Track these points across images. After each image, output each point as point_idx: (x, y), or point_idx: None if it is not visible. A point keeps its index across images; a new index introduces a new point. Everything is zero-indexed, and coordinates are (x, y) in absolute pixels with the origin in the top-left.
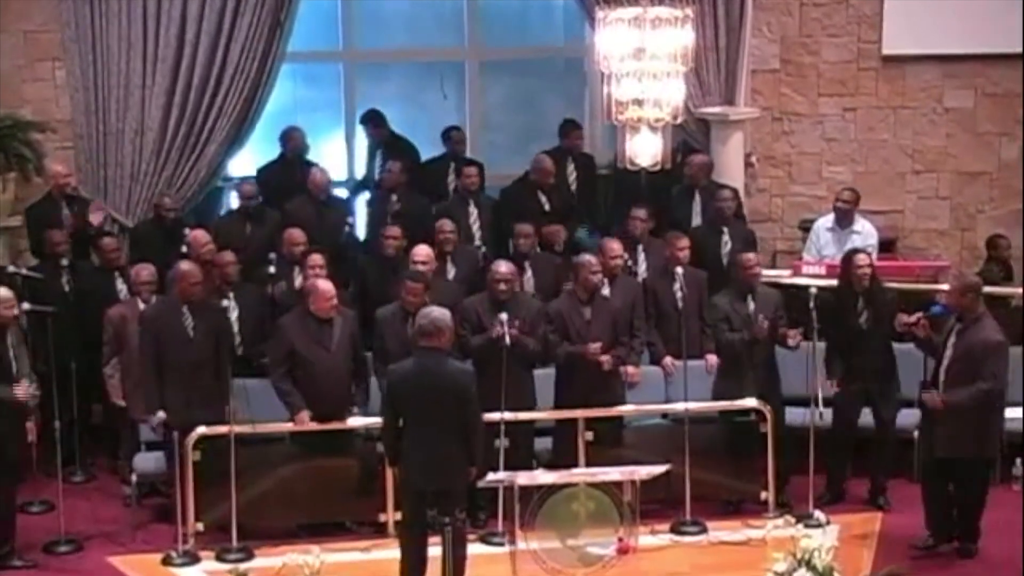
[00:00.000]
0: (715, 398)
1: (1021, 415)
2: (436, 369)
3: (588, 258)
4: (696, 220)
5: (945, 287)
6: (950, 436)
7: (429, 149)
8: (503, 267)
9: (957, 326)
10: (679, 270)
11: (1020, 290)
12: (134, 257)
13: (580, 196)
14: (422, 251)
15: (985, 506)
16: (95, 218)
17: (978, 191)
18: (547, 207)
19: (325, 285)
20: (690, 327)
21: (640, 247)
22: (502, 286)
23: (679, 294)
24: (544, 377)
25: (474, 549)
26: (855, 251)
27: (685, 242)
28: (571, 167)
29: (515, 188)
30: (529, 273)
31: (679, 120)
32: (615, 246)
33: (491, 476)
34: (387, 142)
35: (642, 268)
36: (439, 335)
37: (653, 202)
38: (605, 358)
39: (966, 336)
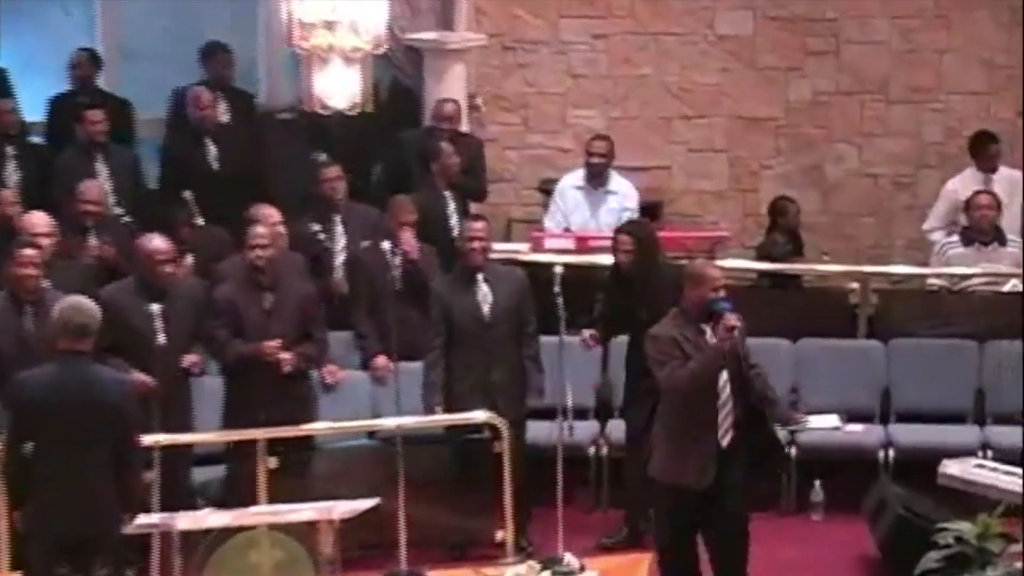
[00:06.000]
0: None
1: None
2: (84, 380)
3: (259, 230)
4: None
5: (717, 276)
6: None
7: (54, 83)
8: (156, 242)
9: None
10: (387, 244)
11: (811, 266)
12: None
13: (243, 147)
14: (40, 220)
15: None
16: None
17: (761, 141)
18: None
19: None
20: (411, 317)
21: (337, 216)
22: (165, 268)
23: (397, 274)
24: (208, 386)
25: None
26: (619, 230)
27: (411, 214)
28: (222, 107)
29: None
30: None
31: (382, 50)
32: (270, 212)
33: (142, 519)
34: None
35: (341, 242)
36: (88, 335)
37: (350, 157)
38: (286, 356)
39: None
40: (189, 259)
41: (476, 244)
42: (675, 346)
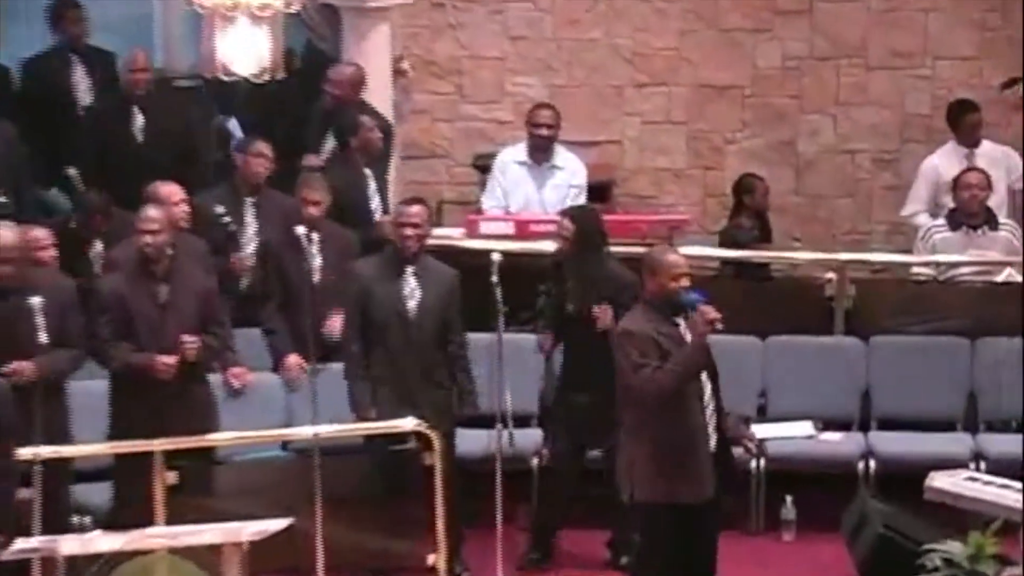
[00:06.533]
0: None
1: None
2: None
3: (150, 213)
4: None
5: (677, 262)
6: None
7: None
8: (4, 235)
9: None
10: (301, 229)
11: (781, 253)
12: None
13: (104, 119)
14: None
15: None
16: None
17: (725, 113)
18: None
19: None
20: (328, 312)
21: (250, 200)
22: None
23: (315, 263)
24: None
25: None
26: (562, 213)
27: (321, 192)
28: (79, 70)
29: None
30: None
31: (294, 8)
32: (170, 190)
33: (20, 544)
34: None
35: (251, 229)
36: None
37: (259, 129)
38: (188, 339)
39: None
40: (99, 246)
41: (410, 231)
42: (655, 345)
